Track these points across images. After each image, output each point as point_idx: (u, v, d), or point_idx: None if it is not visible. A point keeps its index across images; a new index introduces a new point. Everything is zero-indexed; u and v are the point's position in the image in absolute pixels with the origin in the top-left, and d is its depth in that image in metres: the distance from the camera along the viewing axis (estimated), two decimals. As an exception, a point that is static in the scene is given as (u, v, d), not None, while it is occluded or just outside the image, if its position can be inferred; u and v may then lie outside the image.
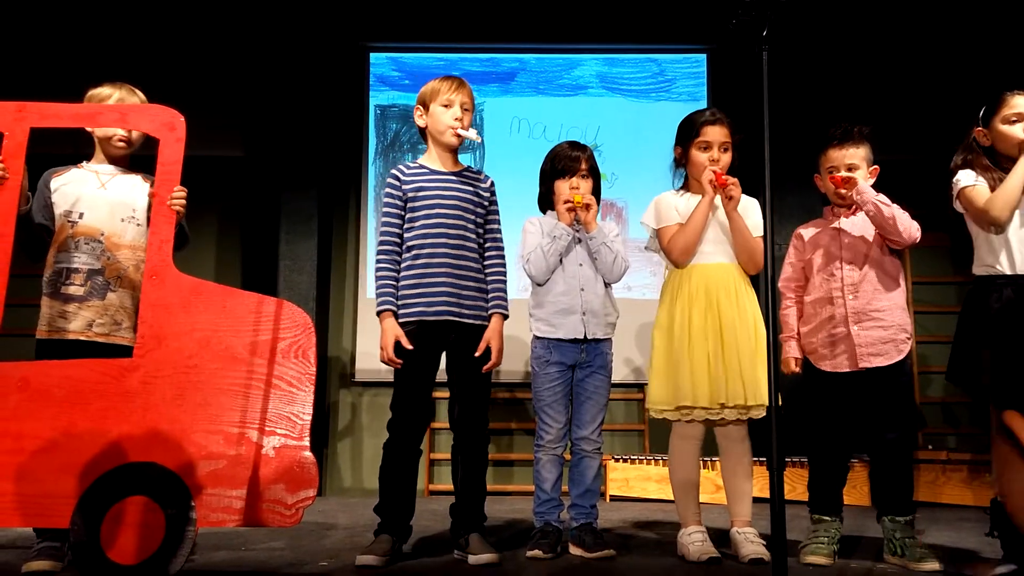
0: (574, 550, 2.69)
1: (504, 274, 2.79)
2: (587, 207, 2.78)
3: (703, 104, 5.10)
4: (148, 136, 2.48)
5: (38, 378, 2.20)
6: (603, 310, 2.82)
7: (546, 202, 2.93)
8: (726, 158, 2.74)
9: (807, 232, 2.82)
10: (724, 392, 2.59)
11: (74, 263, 2.55)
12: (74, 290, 2.54)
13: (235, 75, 5.08)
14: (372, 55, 5.28)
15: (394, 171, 2.76)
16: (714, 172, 2.67)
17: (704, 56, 5.26)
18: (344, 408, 5.06)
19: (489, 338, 2.68)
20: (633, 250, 4.45)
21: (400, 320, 2.63)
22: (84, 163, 2.69)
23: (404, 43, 5.29)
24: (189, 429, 2.20)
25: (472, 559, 2.53)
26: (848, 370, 2.64)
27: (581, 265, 2.82)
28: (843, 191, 2.66)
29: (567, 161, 2.84)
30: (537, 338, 2.83)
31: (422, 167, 2.76)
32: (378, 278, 2.67)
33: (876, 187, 2.66)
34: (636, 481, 4.47)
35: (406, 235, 2.69)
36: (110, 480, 2.15)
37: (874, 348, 2.61)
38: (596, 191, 2.88)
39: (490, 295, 2.74)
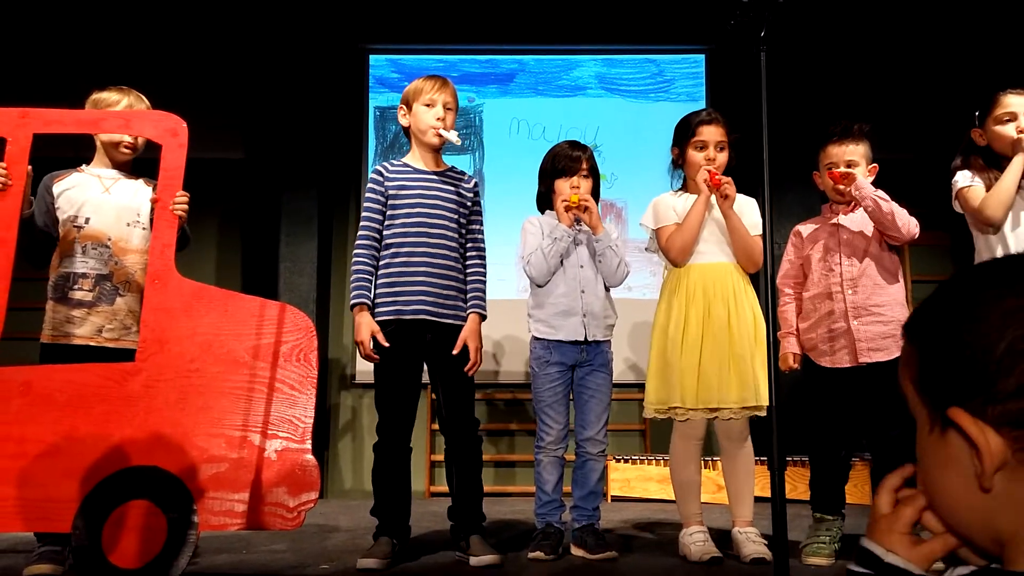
0: (576, 551, 2.69)
1: (484, 275, 2.78)
2: (586, 209, 2.77)
3: (702, 104, 5.10)
4: (149, 141, 2.49)
5: (40, 382, 2.21)
6: (603, 312, 2.82)
7: (545, 201, 2.93)
8: (722, 157, 2.74)
9: (805, 229, 2.82)
10: (716, 395, 2.59)
11: (81, 268, 2.55)
12: (82, 295, 2.54)
13: (235, 77, 5.08)
14: (372, 57, 5.27)
15: (378, 167, 2.77)
16: (708, 171, 2.68)
17: (703, 56, 5.25)
18: (344, 410, 5.06)
19: (466, 337, 2.66)
20: (633, 250, 4.46)
21: (378, 318, 2.62)
22: (84, 167, 2.68)
23: (403, 45, 5.30)
24: (191, 433, 2.20)
25: (473, 560, 2.53)
26: (848, 365, 2.64)
27: (582, 267, 2.82)
28: (842, 187, 2.67)
29: (568, 161, 2.84)
30: (536, 339, 2.83)
31: (406, 165, 2.76)
32: (354, 272, 2.67)
33: (875, 185, 2.66)
34: (637, 481, 4.47)
35: (386, 232, 2.69)
36: (112, 484, 2.15)
37: (874, 343, 2.61)
38: (596, 191, 2.89)
39: (469, 295, 2.74)
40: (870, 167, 2.72)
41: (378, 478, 2.66)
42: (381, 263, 2.68)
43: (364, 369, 4.98)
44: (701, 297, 2.67)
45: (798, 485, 4.07)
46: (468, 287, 2.74)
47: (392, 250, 2.67)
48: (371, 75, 5.26)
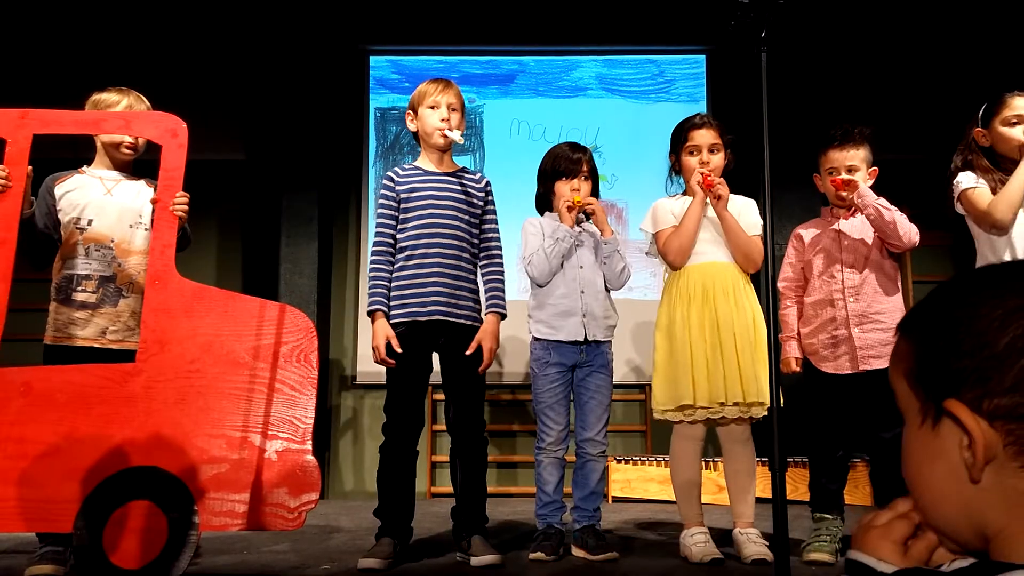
0: (577, 552, 2.68)
1: (502, 274, 2.79)
2: (591, 210, 2.78)
3: (703, 105, 5.13)
4: (150, 142, 2.49)
5: (41, 383, 2.21)
6: (603, 313, 2.82)
7: (544, 203, 2.94)
8: (716, 159, 2.75)
9: (806, 233, 2.82)
10: (723, 391, 2.59)
11: (84, 270, 2.54)
12: (85, 297, 2.53)
13: (236, 79, 5.08)
14: (372, 58, 5.28)
15: (389, 173, 2.78)
16: (701, 173, 2.69)
17: (703, 57, 5.25)
18: (345, 411, 5.06)
19: (481, 338, 2.67)
20: (633, 251, 4.44)
21: (392, 321, 2.63)
22: (86, 168, 2.68)
23: (403, 46, 5.30)
24: (192, 433, 2.20)
25: (474, 561, 2.53)
26: (849, 372, 2.65)
27: (582, 268, 2.82)
28: (844, 194, 2.67)
29: (568, 163, 2.84)
30: (536, 340, 2.83)
31: (417, 168, 2.78)
32: (371, 279, 2.68)
33: (876, 187, 2.66)
34: (638, 482, 4.46)
35: (400, 236, 2.70)
36: (113, 484, 2.15)
37: (874, 350, 2.61)
38: (595, 193, 2.89)
39: (487, 295, 2.75)
40: (870, 171, 2.72)
41: (384, 480, 2.66)
42: (396, 267, 2.69)
43: (364, 370, 4.98)
44: (701, 296, 2.68)
45: (799, 486, 4.06)
46: (485, 287, 2.75)
47: (406, 253, 2.67)
48: (371, 76, 5.26)
